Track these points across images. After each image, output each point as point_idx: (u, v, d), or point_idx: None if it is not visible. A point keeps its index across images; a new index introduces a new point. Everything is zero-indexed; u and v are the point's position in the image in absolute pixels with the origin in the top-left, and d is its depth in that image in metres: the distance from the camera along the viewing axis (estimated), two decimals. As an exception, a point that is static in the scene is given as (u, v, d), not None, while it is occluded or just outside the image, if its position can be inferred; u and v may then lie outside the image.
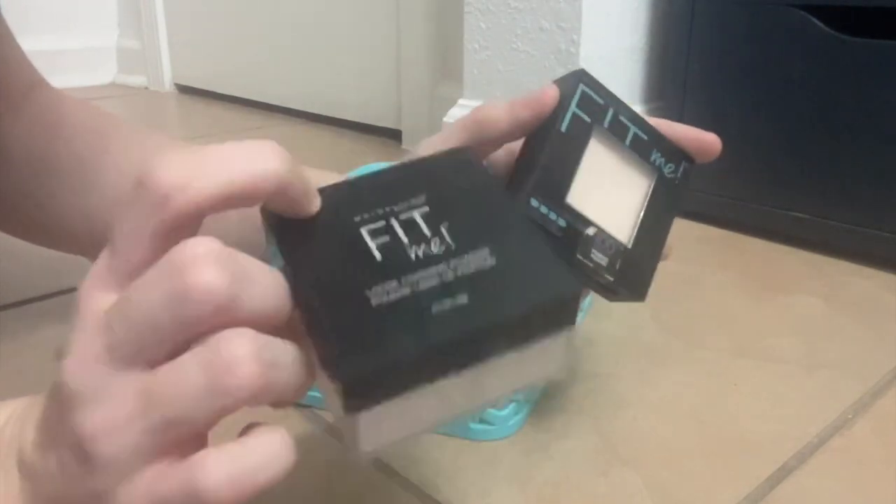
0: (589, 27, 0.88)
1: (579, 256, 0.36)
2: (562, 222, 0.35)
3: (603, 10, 0.89)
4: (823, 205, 0.78)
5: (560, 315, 0.26)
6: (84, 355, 0.23)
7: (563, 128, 0.36)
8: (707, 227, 0.86)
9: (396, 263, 0.25)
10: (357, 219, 0.26)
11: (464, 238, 0.26)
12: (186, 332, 0.22)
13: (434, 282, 0.25)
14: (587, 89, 0.37)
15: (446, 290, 0.25)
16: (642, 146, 0.38)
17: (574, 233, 0.36)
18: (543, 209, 0.35)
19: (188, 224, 0.23)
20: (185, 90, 1.90)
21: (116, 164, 0.54)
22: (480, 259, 0.26)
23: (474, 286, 0.25)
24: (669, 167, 0.39)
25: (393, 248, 0.26)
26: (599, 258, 0.36)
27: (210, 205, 0.23)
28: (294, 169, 0.24)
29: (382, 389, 0.24)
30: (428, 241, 0.26)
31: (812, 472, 0.44)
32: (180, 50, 1.87)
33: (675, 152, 0.39)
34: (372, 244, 0.26)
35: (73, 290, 0.25)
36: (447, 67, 1.24)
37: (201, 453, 0.22)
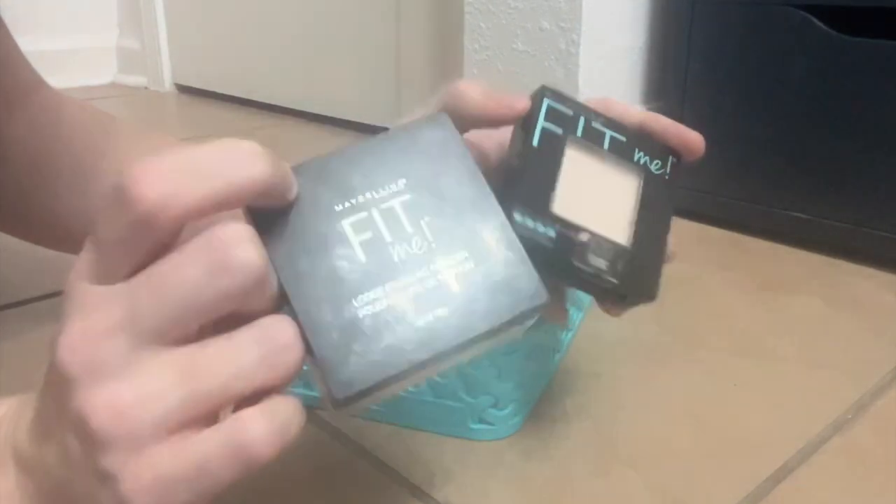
0: (589, 27, 0.88)
1: (576, 263, 0.35)
2: (551, 232, 0.35)
3: (603, 10, 0.89)
4: (823, 205, 0.78)
5: (529, 317, 0.28)
6: (86, 334, 0.23)
7: (535, 142, 0.36)
8: (707, 227, 0.86)
9: (380, 266, 0.26)
10: (338, 208, 0.26)
11: (443, 236, 0.27)
12: (227, 305, 0.23)
13: (418, 288, 0.26)
14: (553, 103, 0.36)
15: (429, 299, 0.26)
16: (622, 148, 0.38)
17: (566, 240, 0.35)
18: (529, 222, 0.34)
19: (174, 233, 0.23)
20: (185, 90, 1.90)
21: (115, 166, 0.54)
22: (459, 262, 0.27)
23: (453, 295, 0.27)
24: (656, 164, 0.39)
25: (376, 247, 0.26)
26: (598, 262, 0.36)
27: (193, 217, 0.23)
28: (277, 167, 0.24)
29: (370, 395, 0.26)
30: (409, 240, 0.27)
31: (812, 472, 0.44)
32: (180, 50, 1.87)
33: (659, 149, 0.39)
34: (355, 241, 0.26)
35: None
36: (447, 67, 1.24)
37: (240, 415, 0.23)
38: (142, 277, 0.23)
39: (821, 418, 0.49)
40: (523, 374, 0.46)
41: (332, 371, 0.25)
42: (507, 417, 0.46)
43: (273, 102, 1.62)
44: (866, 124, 0.73)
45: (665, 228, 0.39)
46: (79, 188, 0.53)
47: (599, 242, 0.36)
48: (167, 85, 1.91)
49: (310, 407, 0.49)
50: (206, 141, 0.23)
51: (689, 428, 0.48)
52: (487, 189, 0.29)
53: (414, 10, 1.26)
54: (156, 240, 0.23)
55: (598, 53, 0.90)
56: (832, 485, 0.43)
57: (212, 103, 1.74)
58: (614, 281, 0.36)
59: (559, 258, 0.35)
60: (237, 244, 0.23)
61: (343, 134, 1.40)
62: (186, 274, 0.23)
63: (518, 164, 0.36)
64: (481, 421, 0.46)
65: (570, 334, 0.57)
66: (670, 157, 0.39)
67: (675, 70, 0.87)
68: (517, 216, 0.34)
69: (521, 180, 0.35)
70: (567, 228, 0.35)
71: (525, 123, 0.37)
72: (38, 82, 0.53)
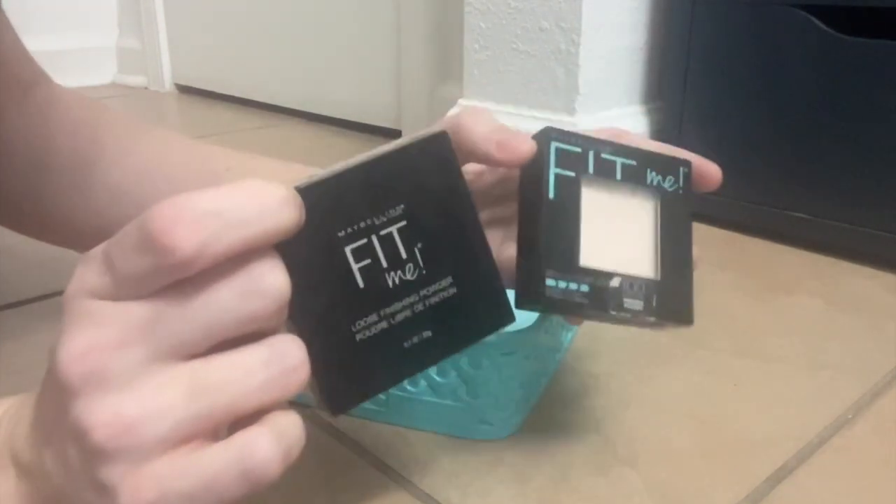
0: (589, 27, 0.88)
1: (613, 312, 0.35)
2: (584, 287, 0.34)
3: (603, 10, 0.89)
4: (823, 205, 0.78)
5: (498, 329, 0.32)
6: (94, 346, 0.23)
7: (552, 195, 0.35)
8: (707, 227, 0.86)
9: (377, 292, 0.28)
10: (341, 234, 0.28)
11: (433, 264, 0.29)
12: (251, 327, 0.24)
13: (407, 313, 0.29)
14: (560, 144, 0.35)
15: (416, 323, 0.29)
16: (634, 173, 0.37)
17: (600, 291, 0.35)
18: (562, 284, 0.34)
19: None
20: (185, 90, 1.90)
21: (116, 163, 0.54)
22: (444, 288, 0.30)
23: (437, 319, 0.30)
24: (669, 180, 0.38)
25: (373, 274, 0.28)
26: (634, 304, 0.35)
27: (222, 261, 0.23)
28: (302, 210, 0.25)
29: (361, 403, 0.29)
30: (403, 266, 0.29)
31: (812, 472, 0.44)
32: (180, 50, 1.87)
33: (669, 164, 0.38)
34: (355, 267, 0.28)
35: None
36: (447, 67, 1.24)
37: (249, 435, 0.24)
38: (170, 296, 0.23)
39: (821, 418, 0.49)
40: (523, 374, 0.46)
41: (329, 389, 0.28)
42: (507, 417, 0.46)
43: (273, 102, 1.62)
44: (867, 124, 0.73)
45: (688, 243, 0.39)
46: (82, 183, 0.53)
47: (631, 283, 0.36)
48: (167, 85, 1.91)
49: (310, 407, 0.49)
50: (234, 182, 0.24)
51: (689, 428, 0.48)
52: (475, 214, 0.30)
53: (414, 10, 1.26)
54: (182, 277, 0.23)
55: (598, 53, 0.90)
56: (832, 485, 0.43)
57: (212, 103, 1.74)
58: (652, 319, 0.36)
59: (597, 311, 0.35)
60: (270, 270, 0.24)
61: (343, 134, 1.40)
62: (219, 296, 0.23)
63: (537, 222, 0.35)
64: (481, 421, 0.46)
65: (570, 334, 0.57)
66: (681, 169, 0.39)
67: (675, 70, 0.87)
68: (549, 282, 0.34)
69: (545, 239, 0.34)
70: (598, 279, 0.35)
71: (534, 167, 0.35)
72: (41, 76, 0.53)
